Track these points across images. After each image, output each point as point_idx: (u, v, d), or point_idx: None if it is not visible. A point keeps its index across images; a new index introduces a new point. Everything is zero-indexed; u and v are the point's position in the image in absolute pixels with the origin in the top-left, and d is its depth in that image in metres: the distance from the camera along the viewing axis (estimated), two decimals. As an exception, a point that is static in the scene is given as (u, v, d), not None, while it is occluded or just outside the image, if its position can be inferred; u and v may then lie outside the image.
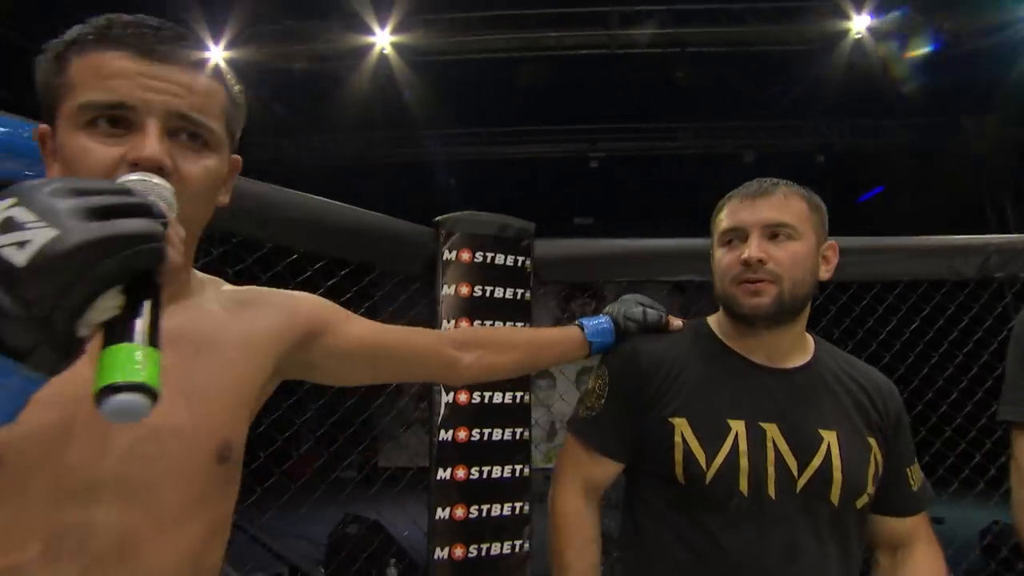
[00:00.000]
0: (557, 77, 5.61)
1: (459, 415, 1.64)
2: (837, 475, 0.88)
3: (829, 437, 0.90)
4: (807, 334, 1.01)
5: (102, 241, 0.38)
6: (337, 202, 1.74)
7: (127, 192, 0.43)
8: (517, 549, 1.61)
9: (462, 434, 1.63)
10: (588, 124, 6.58)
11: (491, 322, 1.74)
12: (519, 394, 1.71)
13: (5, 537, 0.54)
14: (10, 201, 0.39)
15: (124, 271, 0.40)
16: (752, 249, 0.90)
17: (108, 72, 0.57)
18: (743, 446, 0.89)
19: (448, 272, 1.76)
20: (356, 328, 0.83)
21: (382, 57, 5.08)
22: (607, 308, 1.12)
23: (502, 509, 1.61)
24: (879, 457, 0.93)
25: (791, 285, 0.90)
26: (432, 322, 1.73)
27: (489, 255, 1.79)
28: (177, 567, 0.60)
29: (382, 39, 5.03)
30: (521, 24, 5.16)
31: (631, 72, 5.62)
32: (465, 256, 1.77)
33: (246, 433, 0.69)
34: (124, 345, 0.40)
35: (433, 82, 5.34)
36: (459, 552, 1.54)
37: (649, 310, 1.07)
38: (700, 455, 0.90)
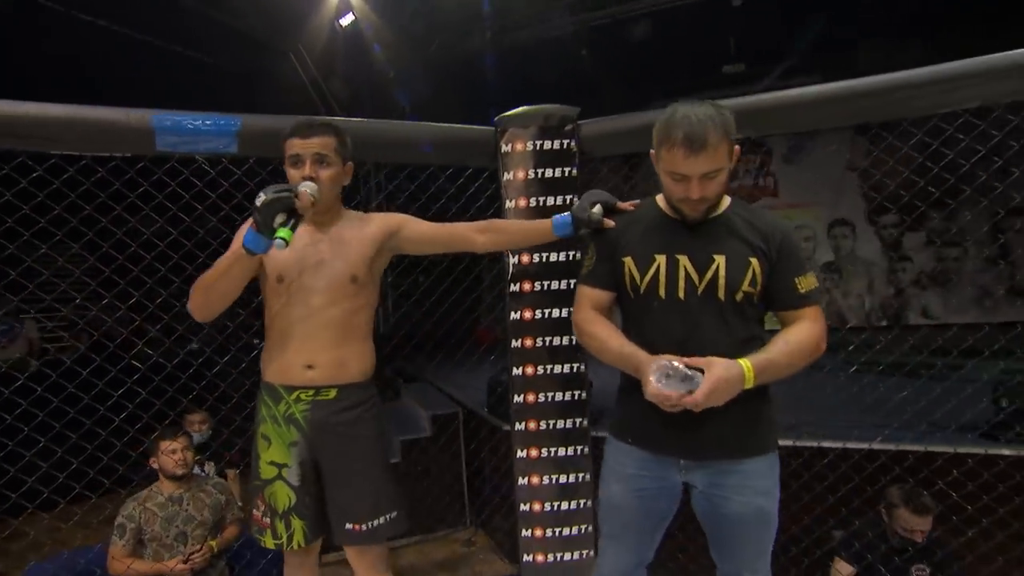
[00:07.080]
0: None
1: (524, 272, 2.14)
2: (721, 280, 1.38)
3: (719, 259, 1.39)
4: (725, 196, 1.44)
5: (271, 200, 1.35)
6: (419, 122, 2.24)
7: (284, 186, 1.42)
8: (575, 370, 2.14)
9: (527, 286, 2.14)
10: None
11: (544, 198, 2.16)
12: (570, 252, 2.14)
13: (282, 311, 1.58)
14: (263, 192, 1.37)
15: (282, 207, 1.36)
16: (694, 192, 1.33)
17: (291, 148, 1.56)
18: (663, 269, 1.41)
19: (507, 161, 2.18)
20: (418, 226, 1.72)
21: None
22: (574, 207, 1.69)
23: (561, 340, 2.12)
24: (758, 270, 1.38)
25: (715, 198, 1.38)
26: (501, 202, 2.21)
27: (538, 143, 2.16)
28: (343, 318, 1.59)
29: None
30: None
31: None
32: (519, 147, 2.17)
33: (369, 273, 1.63)
34: (283, 229, 1.36)
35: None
36: (530, 371, 2.11)
37: (593, 211, 1.59)
38: (637, 276, 1.44)
